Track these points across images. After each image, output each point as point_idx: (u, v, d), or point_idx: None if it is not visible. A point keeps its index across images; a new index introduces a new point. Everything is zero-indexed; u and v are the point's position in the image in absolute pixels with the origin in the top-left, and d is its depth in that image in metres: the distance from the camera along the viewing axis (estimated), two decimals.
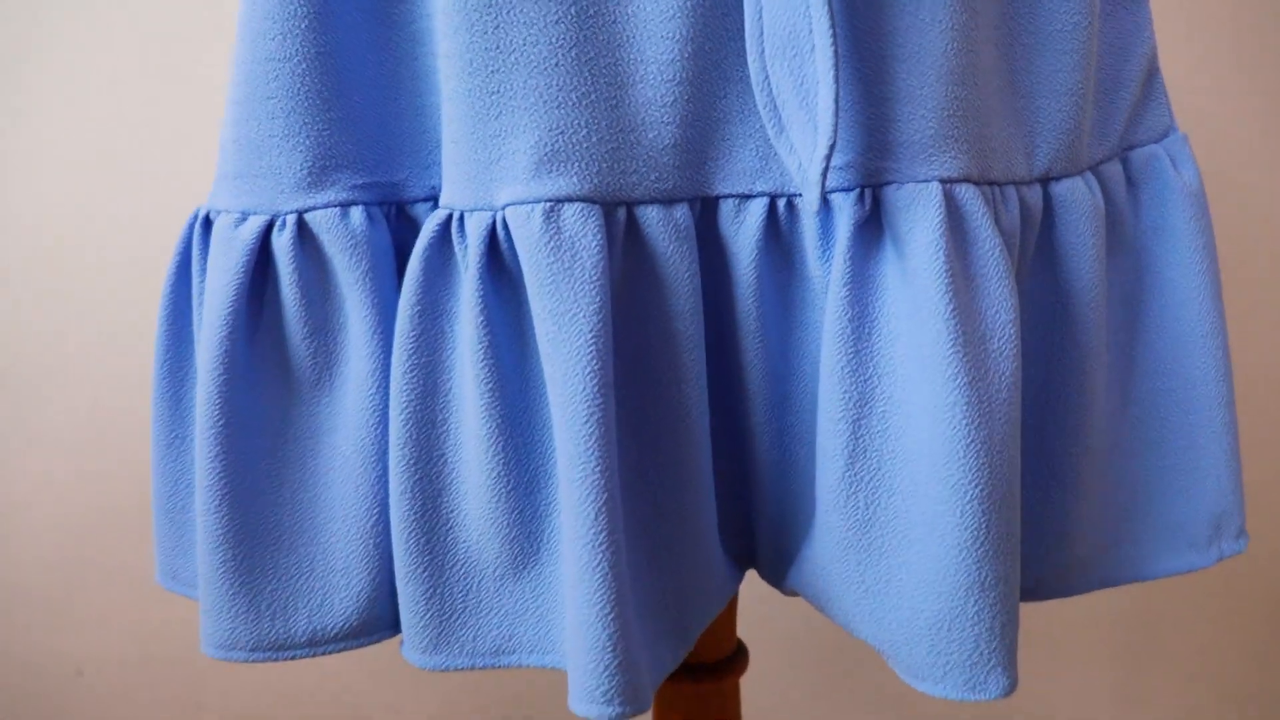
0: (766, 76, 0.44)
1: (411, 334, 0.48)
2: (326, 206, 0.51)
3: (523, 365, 0.48)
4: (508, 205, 0.46)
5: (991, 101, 0.48)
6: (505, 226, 0.46)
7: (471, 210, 0.47)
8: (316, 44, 0.49)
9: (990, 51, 0.48)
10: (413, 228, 0.53)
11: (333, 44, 0.50)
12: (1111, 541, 0.57)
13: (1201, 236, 0.54)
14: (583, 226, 0.45)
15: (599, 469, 0.44)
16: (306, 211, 0.51)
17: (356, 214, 0.51)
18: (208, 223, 0.53)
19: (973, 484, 0.44)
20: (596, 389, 0.44)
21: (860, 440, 0.47)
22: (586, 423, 0.44)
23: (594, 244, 0.45)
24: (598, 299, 0.44)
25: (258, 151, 0.51)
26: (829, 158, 0.42)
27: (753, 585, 0.60)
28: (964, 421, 0.44)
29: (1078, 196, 0.51)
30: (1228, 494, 0.55)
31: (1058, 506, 0.55)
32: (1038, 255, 0.52)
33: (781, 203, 0.48)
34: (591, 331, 0.44)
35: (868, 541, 0.47)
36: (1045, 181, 0.51)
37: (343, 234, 0.50)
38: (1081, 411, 0.53)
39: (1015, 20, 0.50)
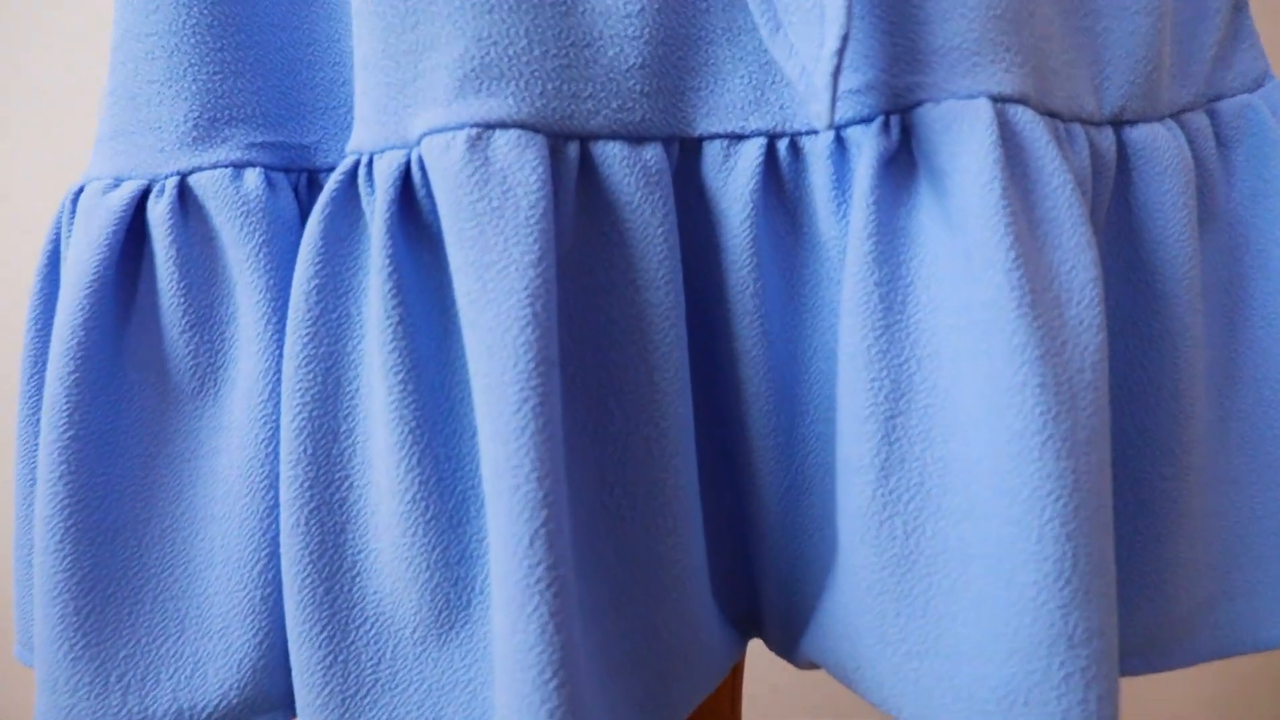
0: None
1: (307, 319, 0.37)
2: (215, 167, 0.41)
3: (447, 354, 0.37)
4: (425, 135, 0.35)
5: (1047, 11, 0.38)
6: (422, 166, 0.36)
7: (383, 150, 0.37)
8: None
9: None
10: None
11: None
12: (1218, 596, 0.44)
13: None
14: (519, 159, 0.34)
15: (535, 476, 0.32)
16: (190, 174, 0.41)
17: (252, 177, 0.41)
18: (80, 196, 0.43)
19: (1053, 497, 0.32)
20: (532, 366, 0.32)
21: (895, 445, 0.35)
22: (518, 412, 0.32)
23: (533, 180, 0.34)
24: (536, 248, 0.33)
25: (134, 103, 0.41)
26: (842, 52, 0.32)
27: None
28: (1038, 410, 0.32)
29: (1160, 145, 0.40)
30: None
31: (1149, 548, 0.42)
32: (1111, 218, 0.41)
33: (782, 144, 0.38)
34: (527, 290, 0.33)
35: (909, 584, 0.35)
36: (1118, 125, 0.41)
37: (233, 200, 0.40)
38: (1175, 422, 0.41)
39: None
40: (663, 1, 0.36)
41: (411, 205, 0.36)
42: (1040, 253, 0.35)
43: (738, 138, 0.38)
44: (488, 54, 0.35)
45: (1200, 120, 0.43)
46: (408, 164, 0.36)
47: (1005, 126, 0.35)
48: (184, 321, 0.41)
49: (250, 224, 0.40)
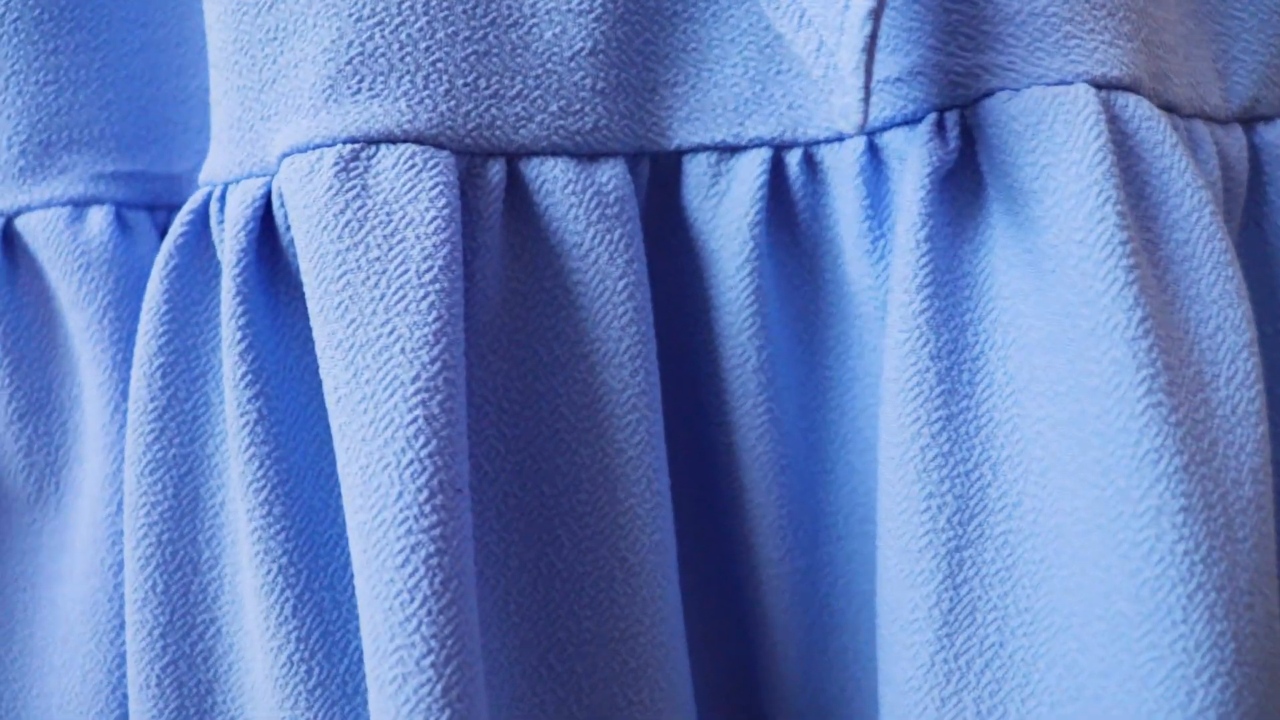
0: None
1: (150, 412, 0.28)
2: (48, 205, 0.31)
3: (330, 459, 0.27)
4: (285, 157, 0.25)
5: None
6: (281, 194, 0.25)
7: (238, 180, 0.27)
8: None
9: None
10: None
11: None
12: None
13: None
14: (410, 187, 0.24)
15: (431, 662, 0.22)
16: (17, 215, 0.31)
17: (98, 218, 0.31)
18: None
19: (1205, 677, 0.21)
20: (424, 497, 0.22)
21: (962, 592, 0.24)
22: (404, 566, 0.22)
23: (431, 218, 0.24)
24: (434, 318, 0.23)
25: None
26: (878, 13, 0.21)
27: None
28: (1180, 549, 0.21)
29: None
30: None
31: None
32: (1241, 245, 0.30)
33: (793, 157, 0.27)
34: (418, 383, 0.23)
35: None
36: (1248, 123, 0.30)
37: (70, 248, 0.31)
38: None
39: None
40: None
41: (275, 254, 0.26)
42: (1171, 308, 0.24)
43: (731, 150, 0.27)
44: (370, 38, 0.25)
45: None
46: (267, 198, 0.26)
47: (1115, 124, 0.24)
48: (12, 409, 0.31)
49: (94, 279, 0.30)
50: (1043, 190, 0.23)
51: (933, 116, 0.25)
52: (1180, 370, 0.23)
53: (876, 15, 0.21)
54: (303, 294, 0.26)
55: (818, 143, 0.27)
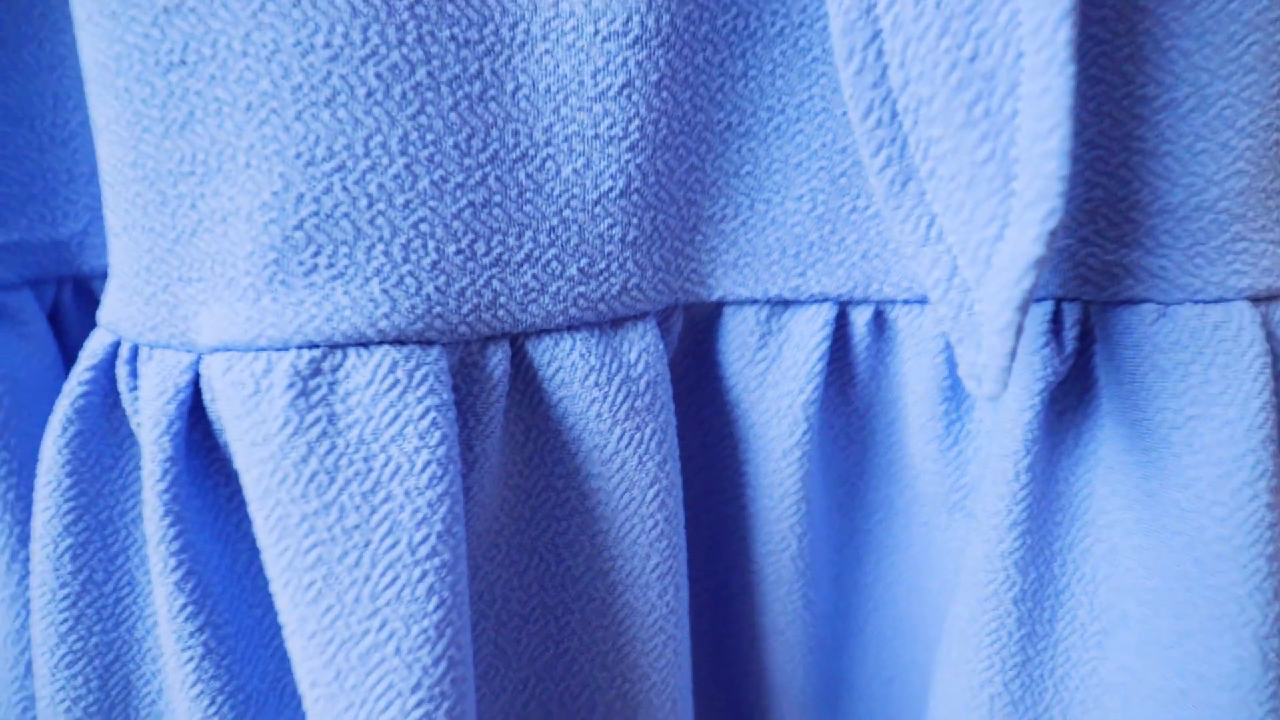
0: (874, 30, 0.17)
1: (63, 596, 0.22)
2: None
3: (278, 660, 0.22)
4: (217, 351, 0.19)
5: None
6: (213, 389, 0.20)
7: (152, 346, 0.20)
8: None
9: None
10: None
11: None
12: None
13: None
14: (393, 412, 0.18)
15: None
16: None
17: None
18: None
19: None
20: None
21: None
22: None
23: (420, 460, 0.18)
24: (426, 596, 0.18)
25: None
26: (1043, 260, 0.16)
27: None
28: None
29: None
30: None
31: None
32: None
33: (861, 315, 0.22)
34: (413, 675, 0.18)
35: None
36: None
37: None
38: None
39: None
40: (668, 63, 0.20)
41: (205, 443, 0.21)
42: None
43: (784, 304, 0.22)
44: (329, 190, 0.18)
45: None
46: (194, 383, 0.20)
47: (1272, 342, 0.20)
48: None
49: None
50: (1182, 443, 0.19)
51: (1049, 306, 0.20)
52: None
53: (1040, 265, 0.16)
54: (237, 482, 0.21)
55: (894, 302, 0.22)
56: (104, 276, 0.27)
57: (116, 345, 0.21)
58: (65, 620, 0.23)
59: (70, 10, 0.24)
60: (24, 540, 0.25)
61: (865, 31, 0.17)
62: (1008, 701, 0.21)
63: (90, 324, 0.27)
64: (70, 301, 0.27)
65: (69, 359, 0.26)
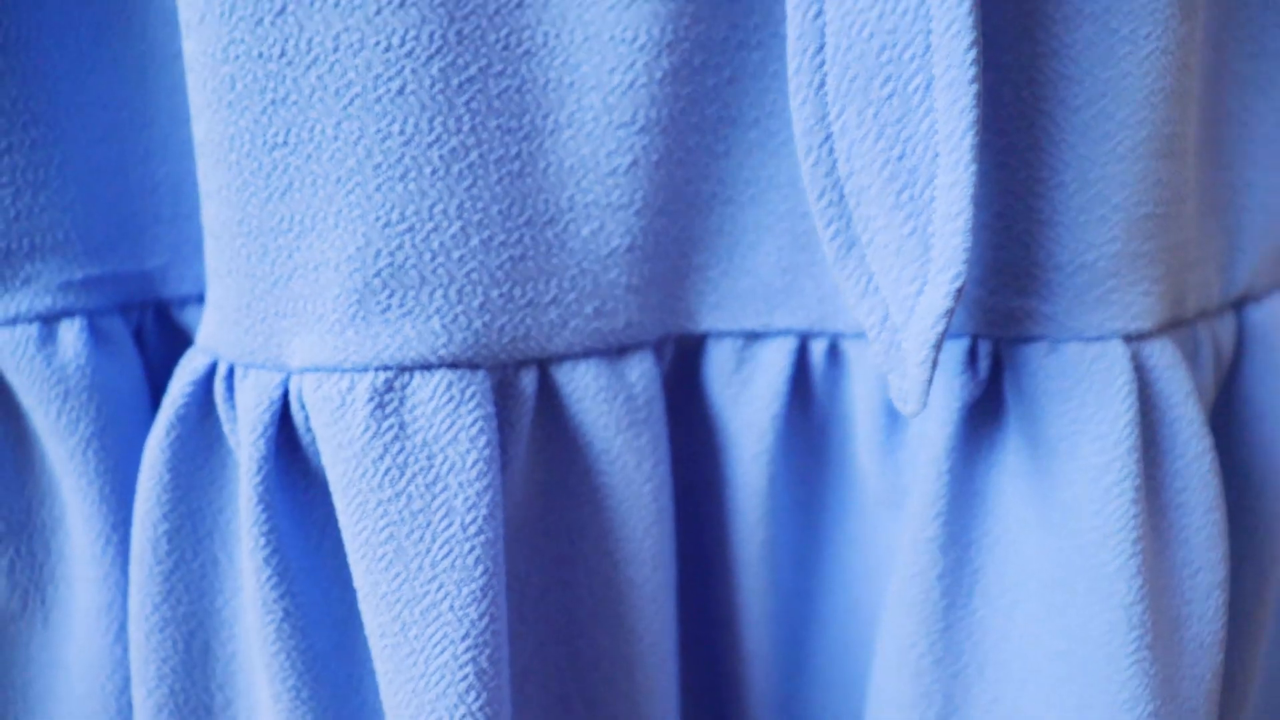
0: (827, 132, 0.22)
1: (158, 574, 0.27)
2: (14, 323, 0.29)
3: (344, 627, 0.27)
4: (308, 371, 0.24)
5: (1193, 184, 0.27)
6: (304, 404, 0.25)
7: (248, 366, 0.25)
8: None
9: (1196, 96, 0.27)
10: (185, 345, 0.31)
11: (31, 65, 0.28)
12: None
13: None
14: (450, 421, 0.23)
15: None
16: None
17: (70, 333, 0.29)
18: None
19: None
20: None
21: None
22: None
23: (471, 457, 0.23)
24: (480, 569, 0.23)
25: None
26: (951, 311, 0.21)
27: None
28: None
29: None
30: None
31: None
32: (1214, 411, 0.32)
33: (818, 347, 0.27)
34: (467, 638, 0.23)
35: None
36: (1240, 304, 0.31)
37: (44, 373, 0.29)
38: (1248, 643, 0.34)
39: (1230, 36, 0.28)
40: (666, 147, 0.25)
41: (295, 452, 0.25)
42: (1163, 553, 0.26)
43: (756, 336, 0.27)
44: (400, 247, 0.23)
45: None
46: (284, 397, 0.25)
47: (1142, 379, 0.25)
48: None
49: (73, 409, 0.29)
50: (1067, 452, 0.25)
51: (966, 342, 0.26)
52: (1163, 614, 0.25)
53: (949, 315, 0.21)
54: (325, 487, 0.26)
55: (844, 336, 0.27)
56: (181, 302, 0.32)
57: (213, 365, 0.26)
58: (159, 592, 0.27)
59: (160, 80, 0.29)
60: (116, 527, 0.29)
61: (820, 134, 0.22)
62: (933, 661, 0.27)
63: (167, 343, 0.32)
64: (151, 324, 0.31)
65: (150, 373, 0.31)
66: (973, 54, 0.20)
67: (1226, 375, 0.31)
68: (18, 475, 0.30)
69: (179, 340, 0.31)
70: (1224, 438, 0.32)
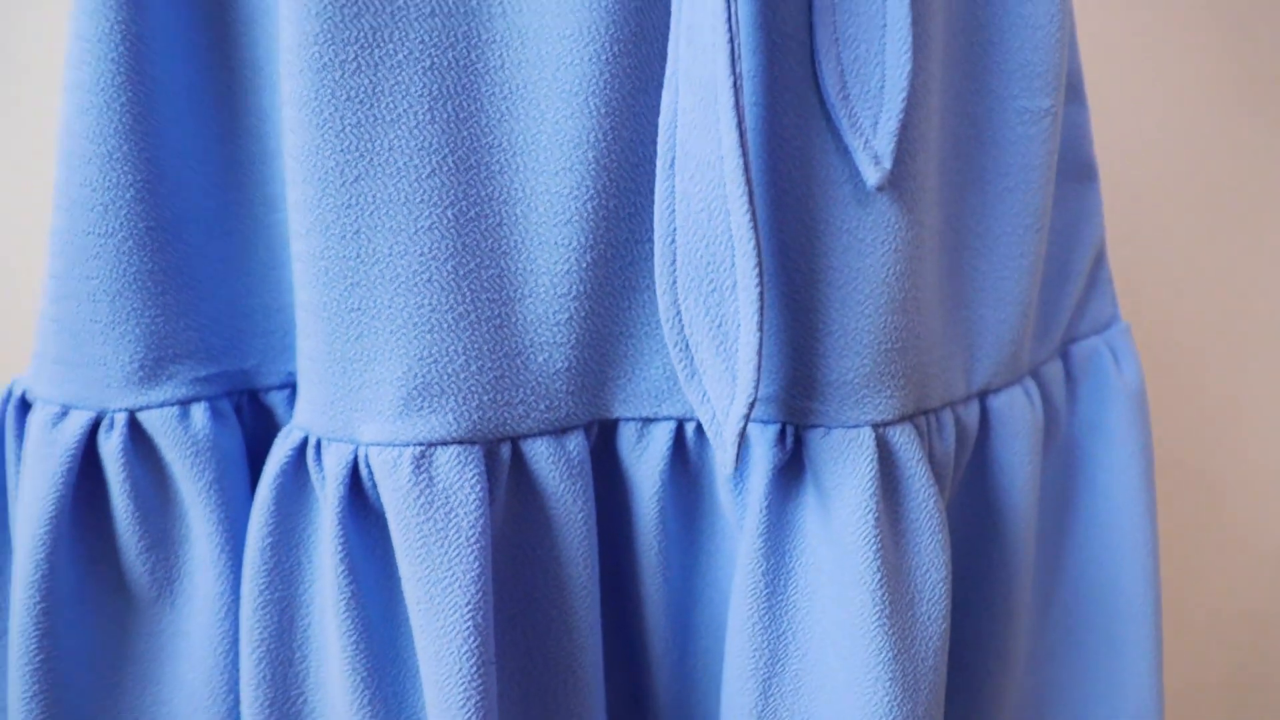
0: (678, 311, 0.38)
1: (263, 570, 0.42)
2: (163, 405, 0.43)
3: (391, 611, 0.42)
4: (372, 445, 0.39)
5: (933, 323, 0.43)
6: (369, 465, 0.39)
7: (330, 440, 0.40)
8: (148, 217, 0.41)
9: (934, 262, 0.43)
10: (268, 419, 0.46)
11: (169, 216, 0.42)
12: None
13: (1139, 440, 0.50)
14: (459, 476, 0.39)
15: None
16: (139, 410, 0.43)
17: (199, 413, 0.44)
18: (24, 405, 0.45)
19: None
20: (474, 669, 0.38)
21: (770, 700, 0.42)
22: (463, 707, 0.38)
23: (472, 498, 0.38)
24: (476, 565, 0.38)
25: (78, 339, 0.43)
26: (748, 416, 0.36)
27: None
28: (886, 698, 0.40)
29: (1016, 410, 0.47)
30: (1150, 710, 0.52)
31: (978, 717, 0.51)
32: (970, 471, 0.48)
33: (690, 427, 0.43)
34: (469, 604, 0.38)
35: None
36: (983, 395, 0.47)
37: (182, 438, 0.43)
38: (1007, 632, 0.50)
39: (965, 220, 0.44)
40: (590, 307, 0.40)
41: (359, 493, 0.40)
42: (902, 559, 0.41)
43: (650, 421, 0.42)
44: (429, 372, 0.39)
45: (1054, 368, 0.50)
46: (355, 460, 0.40)
47: (884, 448, 0.41)
48: (140, 545, 0.44)
49: (200, 463, 0.43)
50: (836, 496, 0.40)
51: (778, 426, 0.41)
52: (900, 597, 0.41)
53: (747, 418, 0.37)
54: (380, 521, 0.41)
55: None
56: (266, 390, 0.46)
57: (305, 438, 0.41)
58: (263, 583, 0.42)
59: (258, 234, 0.44)
60: (227, 541, 0.44)
61: (673, 310, 0.37)
62: (762, 628, 0.42)
63: (258, 418, 0.46)
64: (247, 405, 0.46)
65: (248, 439, 0.46)
66: (755, 263, 0.35)
67: (977, 443, 0.47)
68: (161, 507, 0.44)
69: (266, 416, 0.46)
70: (978, 485, 0.48)
